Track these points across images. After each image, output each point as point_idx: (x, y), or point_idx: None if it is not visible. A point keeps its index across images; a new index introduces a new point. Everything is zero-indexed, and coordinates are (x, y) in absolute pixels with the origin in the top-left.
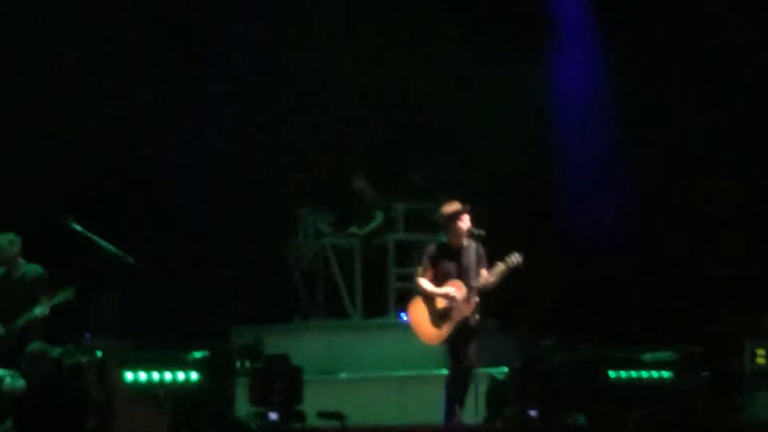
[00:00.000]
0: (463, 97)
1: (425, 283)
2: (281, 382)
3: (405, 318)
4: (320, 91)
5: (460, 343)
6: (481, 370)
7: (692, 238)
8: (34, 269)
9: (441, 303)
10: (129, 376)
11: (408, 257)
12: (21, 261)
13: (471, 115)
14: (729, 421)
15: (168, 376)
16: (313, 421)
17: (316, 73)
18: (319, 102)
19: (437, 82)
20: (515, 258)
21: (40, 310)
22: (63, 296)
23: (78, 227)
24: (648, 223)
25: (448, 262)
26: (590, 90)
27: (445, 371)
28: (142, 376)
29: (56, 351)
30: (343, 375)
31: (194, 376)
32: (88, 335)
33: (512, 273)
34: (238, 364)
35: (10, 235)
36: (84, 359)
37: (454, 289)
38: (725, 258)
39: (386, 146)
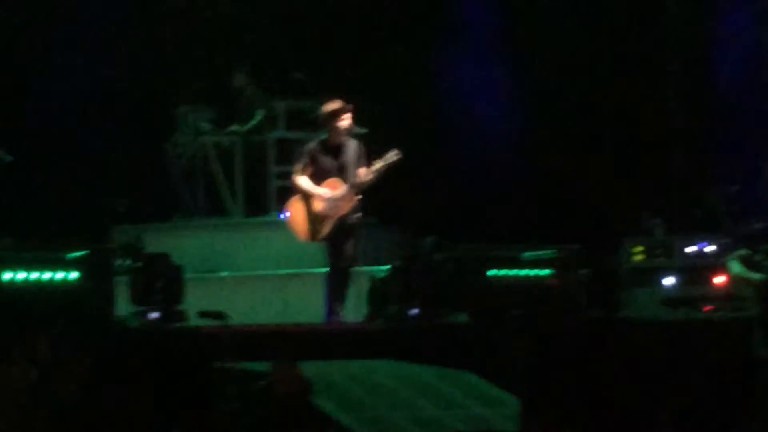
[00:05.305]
0: None
1: (303, 182)
2: (162, 281)
3: (285, 216)
4: None
5: (340, 241)
6: (363, 269)
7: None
8: None
9: (318, 201)
10: (7, 276)
11: (289, 155)
12: None
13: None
14: (607, 318)
15: (47, 275)
16: (194, 320)
17: None
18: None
19: None
20: (393, 155)
21: None
22: None
23: None
24: (531, 123)
25: (327, 159)
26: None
27: (325, 270)
28: (21, 275)
29: None
30: (223, 273)
31: (73, 275)
32: None
33: (391, 170)
34: (118, 262)
35: None
36: None
37: (330, 189)
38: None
39: (268, 43)
